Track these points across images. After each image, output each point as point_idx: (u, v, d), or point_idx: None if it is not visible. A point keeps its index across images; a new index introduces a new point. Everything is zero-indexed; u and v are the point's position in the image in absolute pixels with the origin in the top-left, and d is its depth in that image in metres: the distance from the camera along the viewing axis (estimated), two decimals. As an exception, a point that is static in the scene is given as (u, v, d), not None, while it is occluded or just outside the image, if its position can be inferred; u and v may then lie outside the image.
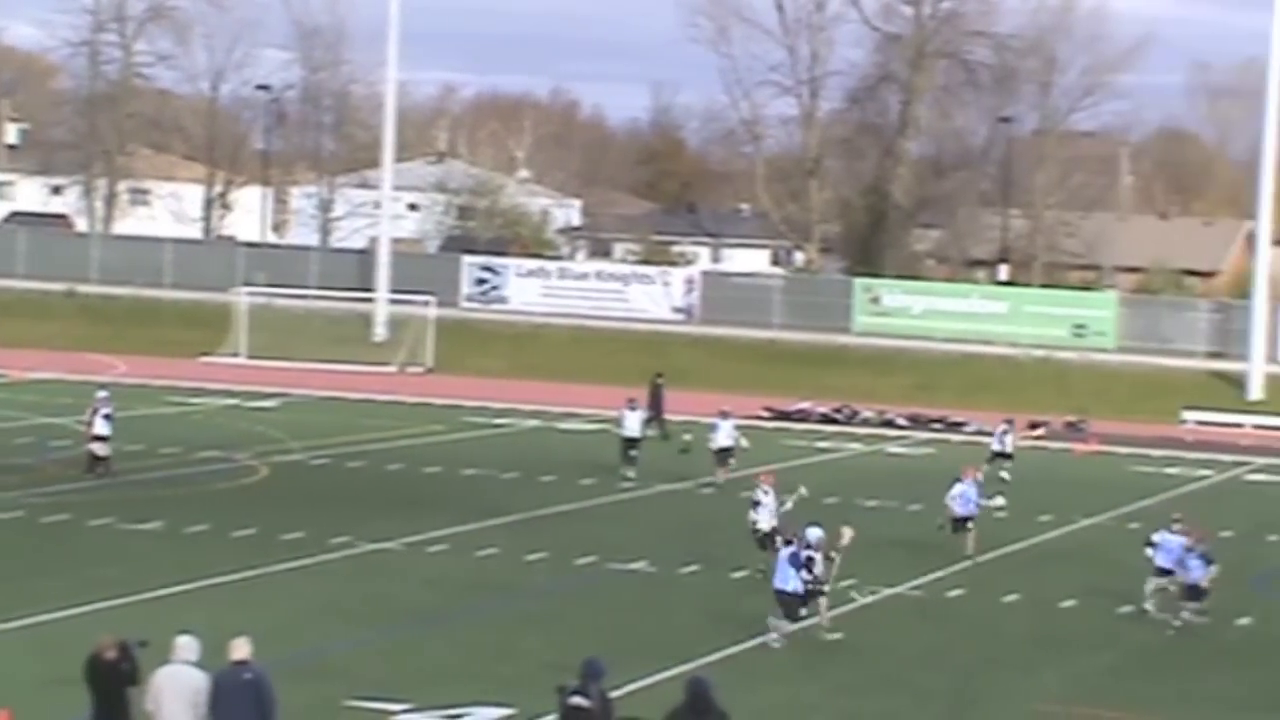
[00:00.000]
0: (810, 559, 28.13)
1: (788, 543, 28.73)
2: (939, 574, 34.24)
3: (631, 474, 45.15)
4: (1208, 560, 29.21)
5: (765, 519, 33.17)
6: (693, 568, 34.15)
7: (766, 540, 32.68)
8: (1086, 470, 52.97)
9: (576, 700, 18.23)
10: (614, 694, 18.91)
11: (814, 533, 28.62)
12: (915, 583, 33.38)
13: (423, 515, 38.36)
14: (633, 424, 46.22)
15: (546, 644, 27.24)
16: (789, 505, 33.29)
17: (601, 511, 41.13)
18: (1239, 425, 62.48)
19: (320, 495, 41.37)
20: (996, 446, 48.66)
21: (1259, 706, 25.83)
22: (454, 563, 34.06)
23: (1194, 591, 29.59)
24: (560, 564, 34.23)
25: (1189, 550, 29.92)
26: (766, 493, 33.61)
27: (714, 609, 30.78)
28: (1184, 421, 62.61)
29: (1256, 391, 68.30)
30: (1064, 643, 29.18)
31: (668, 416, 54.69)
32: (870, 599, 31.82)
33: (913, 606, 31.80)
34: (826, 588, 28.44)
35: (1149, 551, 30.66)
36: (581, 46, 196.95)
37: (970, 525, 35.71)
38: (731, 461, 44.78)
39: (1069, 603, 31.86)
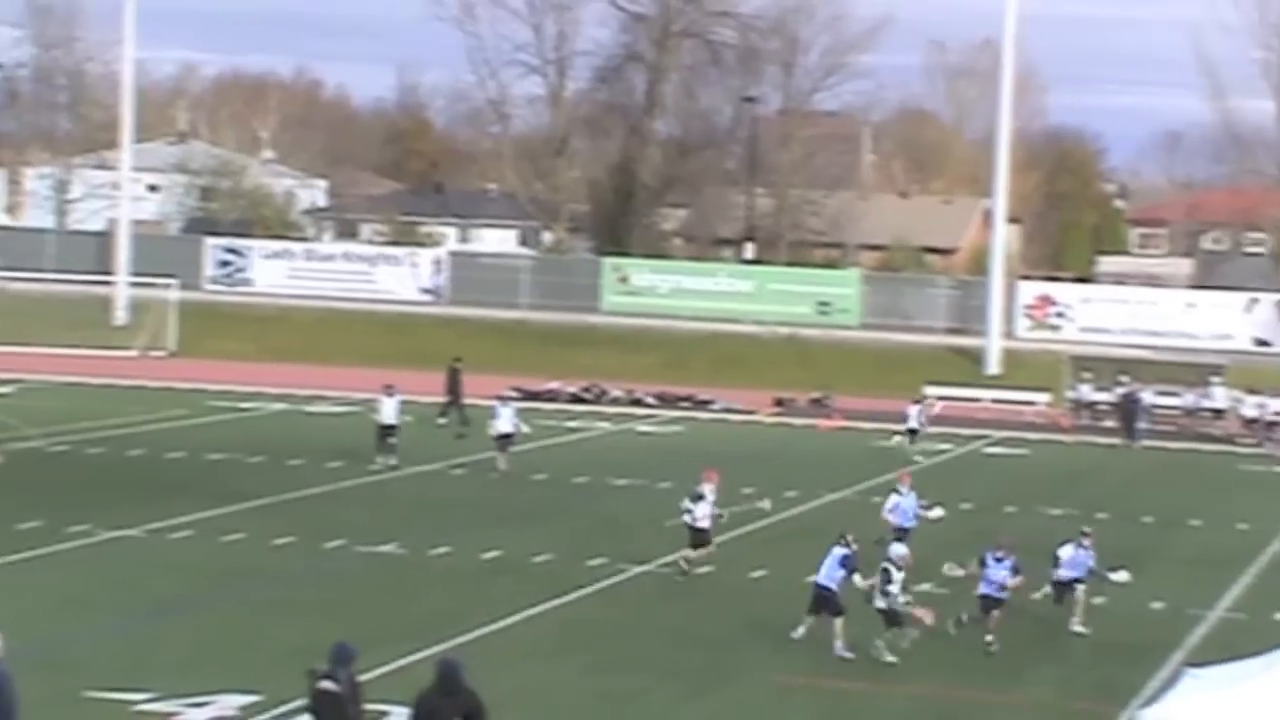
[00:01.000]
0: (888, 575, 26.86)
1: (838, 542, 27.67)
2: (690, 551, 34.44)
3: (393, 461, 44.08)
4: (1015, 570, 28.85)
5: (704, 515, 32.21)
6: (442, 549, 34.01)
7: (699, 536, 32.19)
8: (831, 445, 53.74)
9: (325, 685, 18.05)
10: (364, 677, 18.73)
11: (899, 550, 27.45)
12: (665, 560, 33.57)
13: (166, 501, 37.70)
14: (389, 411, 44.97)
15: (295, 629, 26.93)
16: (719, 512, 32.61)
17: (350, 494, 40.77)
18: (978, 400, 63.82)
19: (58, 483, 40.45)
20: (913, 425, 50.95)
21: (999, 671, 26.36)
22: (199, 549, 33.52)
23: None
24: (309, 548, 33.87)
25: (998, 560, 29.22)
26: (706, 491, 32.56)
27: (464, 590, 30.69)
28: (925, 397, 63.77)
29: (994, 366, 69.83)
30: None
31: (467, 401, 54.04)
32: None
33: (662, 584, 31.99)
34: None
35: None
36: (325, 25, 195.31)
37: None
38: (511, 448, 43.94)
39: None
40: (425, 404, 54.36)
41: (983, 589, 27.75)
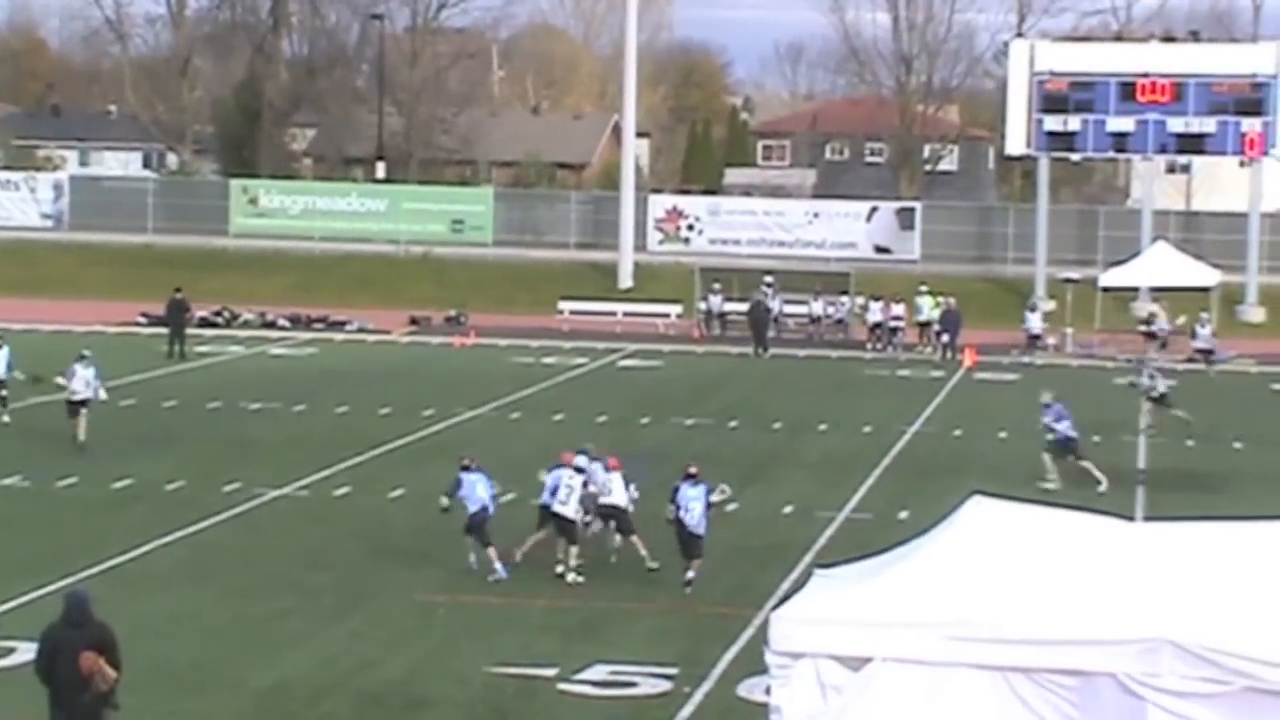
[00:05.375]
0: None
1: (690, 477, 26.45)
2: (325, 473, 34.25)
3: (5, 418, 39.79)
4: (627, 481, 28.73)
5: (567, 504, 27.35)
6: (70, 480, 33.18)
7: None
8: (467, 363, 53.81)
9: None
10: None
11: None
12: (302, 483, 33.29)
13: None
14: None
15: (-85, 568, 26.05)
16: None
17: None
18: (611, 313, 64.50)
19: None
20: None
21: (634, 581, 26.75)
22: None
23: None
24: None
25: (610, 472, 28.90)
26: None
27: (95, 521, 30.02)
28: (560, 312, 64.28)
29: (626, 280, 70.62)
30: (450, 535, 29.57)
31: (190, 332, 52.82)
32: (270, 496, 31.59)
33: (299, 507, 31.73)
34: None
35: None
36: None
37: None
38: (84, 411, 36.78)
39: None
40: (43, 333, 52.91)
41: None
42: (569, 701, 21.16)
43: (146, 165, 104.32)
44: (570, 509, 27.09)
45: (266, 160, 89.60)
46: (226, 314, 61.79)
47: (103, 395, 37.69)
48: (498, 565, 26.72)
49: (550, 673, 21.98)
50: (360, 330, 60.89)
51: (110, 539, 28.40)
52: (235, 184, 79.81)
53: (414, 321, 62.60)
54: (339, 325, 61.42)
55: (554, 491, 27.20)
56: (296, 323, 61.52)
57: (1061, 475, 34.35)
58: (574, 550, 27.02)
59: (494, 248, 75.40)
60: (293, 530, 29.84)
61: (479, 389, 46.73)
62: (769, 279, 61.32)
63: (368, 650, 22.99)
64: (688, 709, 20.91)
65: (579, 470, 27.54)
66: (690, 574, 26.43)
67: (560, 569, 26.85)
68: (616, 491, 27.57)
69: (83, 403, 36.64)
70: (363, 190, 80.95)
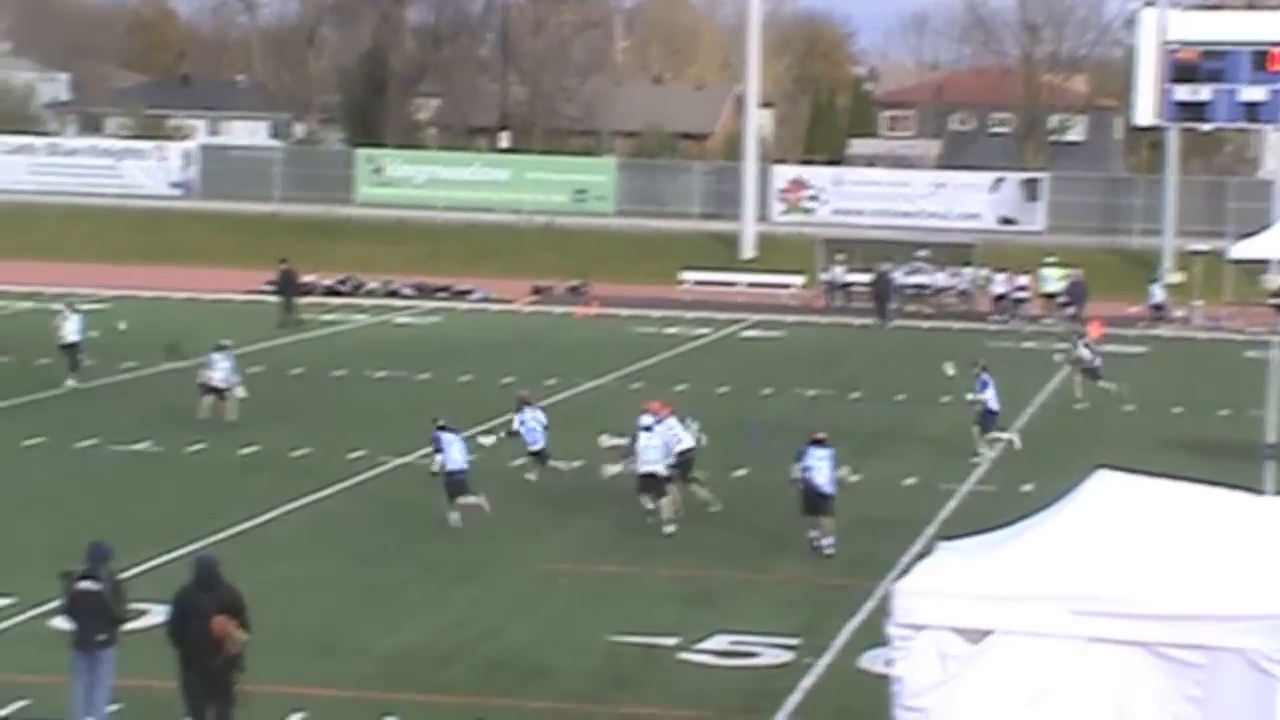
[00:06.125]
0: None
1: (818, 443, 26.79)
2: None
3: (72, 382, 39.91)
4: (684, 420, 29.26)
5: (653, 461, 28.13)
6: (198, 446, 33.59)
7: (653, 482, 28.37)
8: (589, 333, 53.94)
9: (85, 585, 17.82)
10: (120, 577, 18.50)
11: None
12: (425, 452, 33.46)
13: (-90, 405, 36.78)
14: (71, 329, 40.67)
15: (49, 530, 26.48)
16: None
17: (102, 393, 40.04)
18: (733, 284, 64.42)
19: None
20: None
21: (755, 551, 26.82)
22: (-55, 452, 32.77)
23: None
24: (60, 448, 33.24)
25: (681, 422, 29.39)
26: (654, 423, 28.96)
27: (222, 487, 30.39)
28: (681, 282, 64.27)
29: (748, 250, 70.48)
30: (570, 504, 29.73)
31: (298, 300, 53.30)
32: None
33: (422, 475, 31.91)
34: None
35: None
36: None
37: None
38: (225, 397, 36.08)
39: (577, 463, 32.35)
40: (173, 300, 53.60)
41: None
42: (690, 671, 21.21)
43: (277, 135, 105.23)
44: (654, 466, 27.70)
45: (391, 130, 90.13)
46: (351, 282, 62.25)
47: (240, 393, 36.21)
48: (455, 515, 27.59)
49: (671, 642, 22.04)
50: (484, 300, 61.19)
51: (237, 505, 28.74)
52: (360, 153, 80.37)
53: (537, 291, 62.82)
54: (463, 294, 61.74)
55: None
56: (421, 292, 61.90)
57: (1181, 447, 34.02)
58: (665, 502, 27.63)
59: (616, 218, 75.48)
60: (416, 498, 30.04)
61: (601, 359, 46.83)
62: (923, 253, 61.15)
63: (490, 618, 23.15)
64: (809, 680, 20.90)
65: (647, 429, 28.28)
66: (823, 539, 26.56)
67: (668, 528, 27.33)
68: (685, 438, 28.61)
69: (221, 390, 35.99)
70: (486, 160, 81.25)
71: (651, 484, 27.93)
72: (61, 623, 18.25)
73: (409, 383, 42.54)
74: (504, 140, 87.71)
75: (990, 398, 34.83)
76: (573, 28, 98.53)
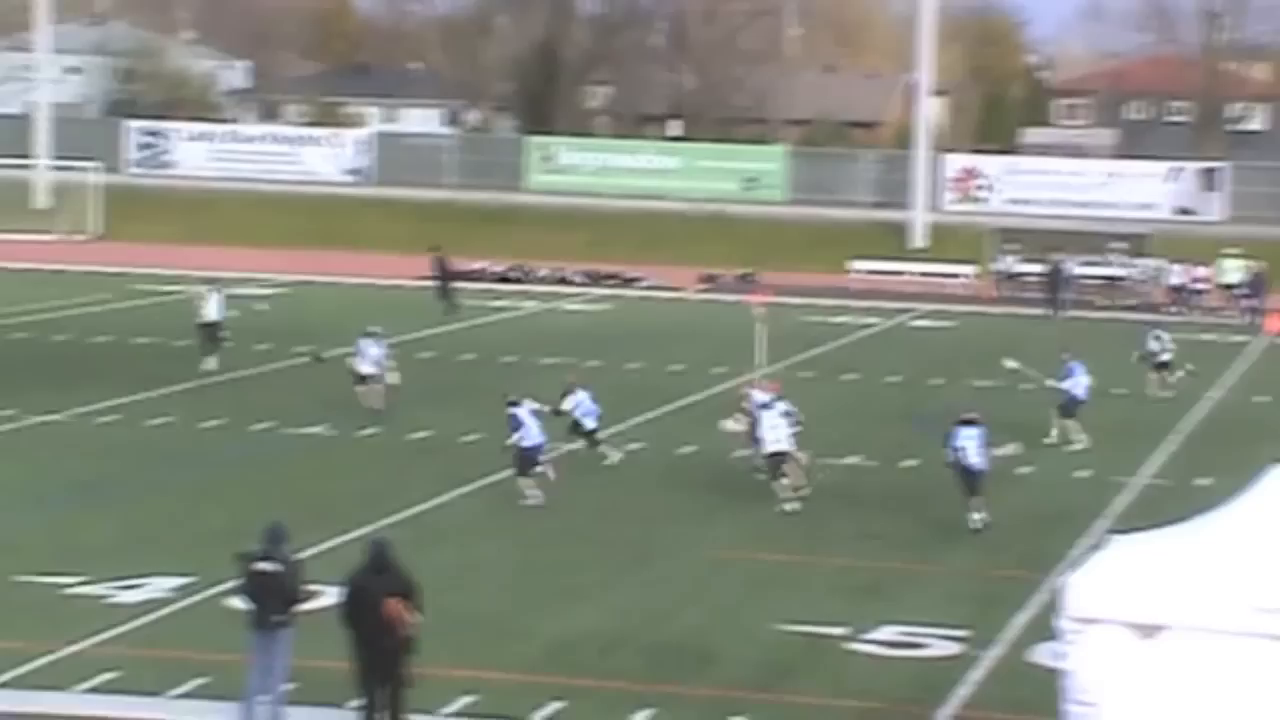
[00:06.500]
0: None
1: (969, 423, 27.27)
2: (618, 428, 34.56)
3: (212, 365, 40.11)
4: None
5: (782, 439, 28.33)
6: (371, 430, 34.01)
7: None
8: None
9: (263, 566, 18.08)
10: (298, 557, 18.78)
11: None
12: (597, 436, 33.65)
13: (92, 386, 37.54)
14: (212, 308, 41.32)
15: (226, 511, 26.95)
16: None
17: (278, 377, 40.64)
18: (903, 273, 64.05)
19: (-17, 369, 40.20)
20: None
21: (924, 542, 26.70)
22: (126, 433, 33.44)
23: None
24: (237, 430, 33.82)
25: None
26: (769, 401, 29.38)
27: (394, 471, 30.74)
28: (849, 271, 64.01)
29: (919, 239, 70.08)
30: (740, 491, 29.75)
31: (456, 285, 53.73)
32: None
33: (592, 461, 32.10)
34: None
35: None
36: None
37: None
38: (377, 386, 35.54)
39: (744, 452, 32.37)
40: (347, 285, 54.24)
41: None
42: (857, 661, 21.16)
43: (453, 122, 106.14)
44: (783, 444, 28.09)
45: (563, 118, 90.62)
46: (522, 269, 62.66)
47: (391, 379, 35.71)
48: (536, 493, 28.04)
49: (839, 632, 21.99)
50: (653, 287, 61.33)
51: (409, 488, 29.06)
52: (532, 141, 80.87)
53: (706, 279, 62.86)
54: (632, 282, 61.92)
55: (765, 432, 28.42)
56: (590, 279, 62.17)
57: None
58: (785, 481, 28.02)
59: (786, 206, 75.34)
60: (585, 484, 30.21)
61: (770, 348, 46.70)
62: (1120, 245, 60.49)
63: (659, 604, 23.24)
64: (977, 672, 20.77)
65: (766, 407, 28.74)
66: (976, 516, 26.71)
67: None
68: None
69: (368, 376, 35.51)
70: (657, 148, 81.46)
71: (778, 462, 28.27)
72: (239, 602, 18.57)
73: (578, 370, 42.68)
74: (675, 129, 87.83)
75: (1075, 385, 34.36)
76: (744, 16, 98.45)
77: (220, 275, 55.48)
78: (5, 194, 73.35)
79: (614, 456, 31.36)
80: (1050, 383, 34.86)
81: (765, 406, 28.87)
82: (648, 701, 19.38)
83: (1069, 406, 34.38)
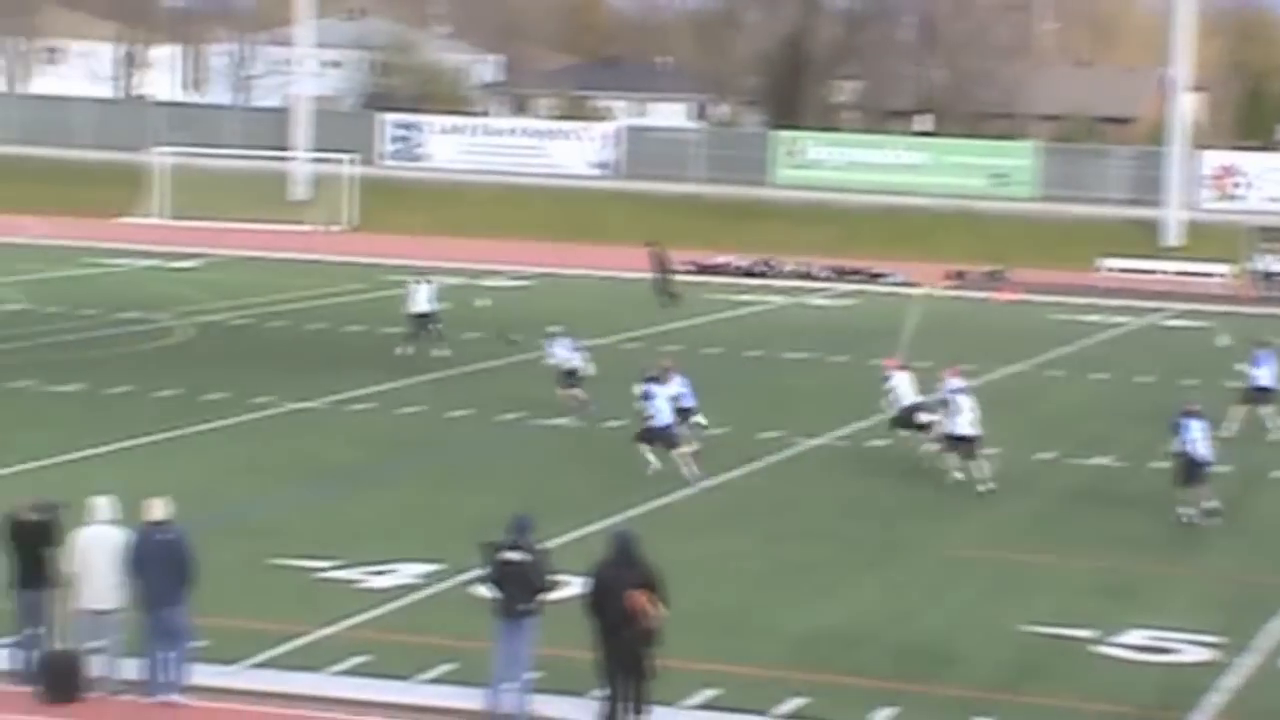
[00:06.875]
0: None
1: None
2: (861, 424, 34.46)
3: (445, 351, 41.11)
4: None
5: (970, 424, 29.31)
6: (617, 423, 34.21)
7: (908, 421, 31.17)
8: (1006, 319, 53.31)
9: (510, 555, 18.27)
10: (543, 547, 18.97)
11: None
12: (840, 433, 33.59)
13: (345, 374, 38.30)
14: (422, 299, 41.98)
15: (473, 500, 27.33)
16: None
17: (526, 368, 41.05)
18: (1155, 271, 62.92)
19: (242, 355, 41.24)
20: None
21: (1177, 545, 26.23)
22: (377, 420, 34.05)
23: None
24: (485, 420, 34.26)
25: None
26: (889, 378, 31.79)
27: (639, 463, 30.88)
28: (1098, 268, 63.04)
29: (1173, 237, 68.77)
30: (997, 490, 29.45)
31: (674, 275, 53.99)
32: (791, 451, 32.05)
33: (836, 456, 32.03)
34: None
35: None
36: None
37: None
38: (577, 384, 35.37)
39: (990, 450, 32.07)
40: (592, 279, 54.71)
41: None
42: (1105, 664, 20.84)
43: (700, 116, 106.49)
44: (973, 429, 28.88)
45: (810, 112, 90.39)
46: (767, 264, 62.66)
47: (588, 369, 35.39)
48: (693, 469, 28.93)
49: (1086, 634, 21.68)
50: (899, 283, 60.95)
51: (654, 481, 29.20)
52: (777, 135, 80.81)
53: (953, 275, 62.31)
54: (878, 278, 61.60)
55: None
56: (836, 274, 61.96)
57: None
58: (973, 465, 28.65)
59: (1035, 203, 74.40)
60: (830, 479, 30.16)
61: (1017, 345, 46.27)
62: None
63: (902, 602, 23.11)
64: (1231, 679, 20.34)
65: (961, 391, 29.69)
66: (1205, 504, 27.02)
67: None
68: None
69: (572, 372, 35.21)
70: (904, 143, 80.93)
71: (965, 446, 28.94)
72: (485, 591, 18.82)
73: (823, 364, 42.65)
74: (923, 123, 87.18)
75: (1263, 375, 34.03)
76: (996, 10, 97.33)
77: (469, 267, 56.21)
78: (265, 185, 75.14)
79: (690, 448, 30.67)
80: (1238, 366, 35.15)
81: (958, 392, 29.77)
82: (891, 699, 19.28)
83: (1252, 394, 34.52)
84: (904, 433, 31.32)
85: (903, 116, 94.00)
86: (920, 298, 35.36)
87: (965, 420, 29.12)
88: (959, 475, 29.49)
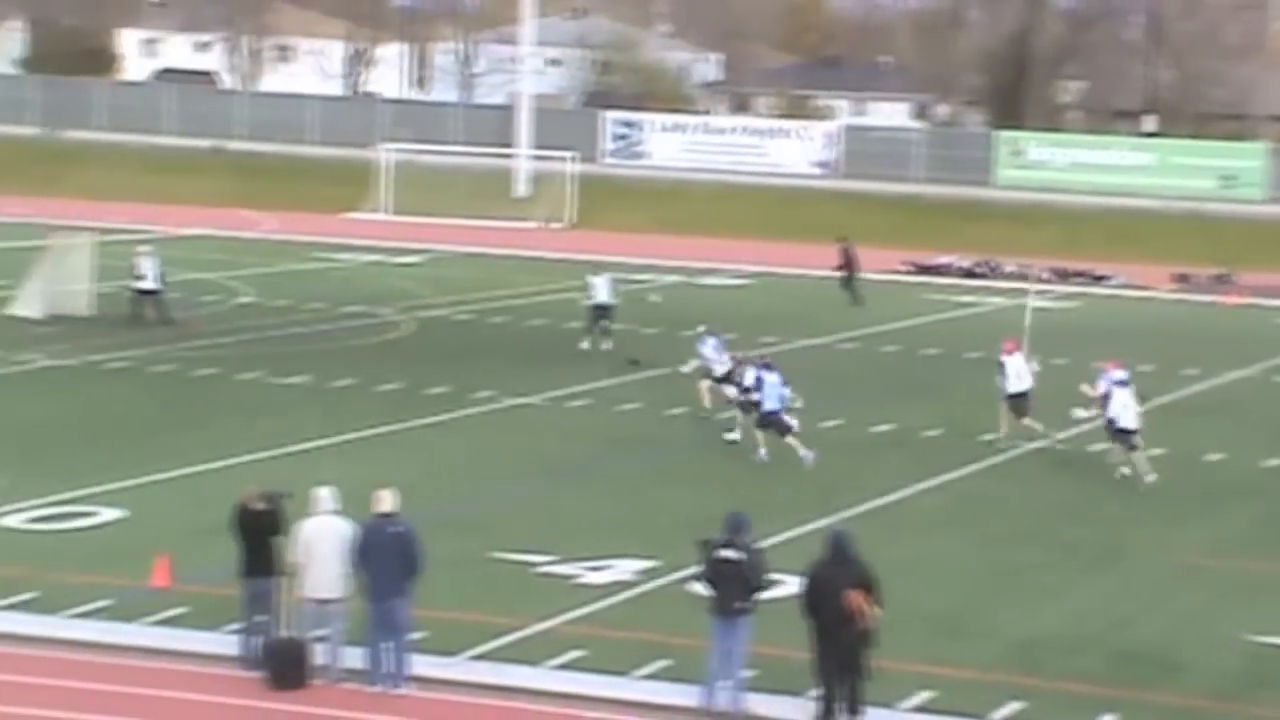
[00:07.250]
0: None
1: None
2: (1084, 427, 34.00)
3: (604, 345, 41.14)
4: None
5: (1131, 417, 29.35)
6: (833, 422, 34.13)
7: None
8: (1233, 323, 52.28)
9: (726, 553, 18.32)
10: (759, 546, 19.00)
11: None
12: (1061, 436, 33.18)
13: (564, 370, 38.60)
14: (602, 291, 42.07)
15: (687, 497, 27.42)
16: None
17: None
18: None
19: (463, 350, 41.71)
20: None
21: None
22: (595, 417, 34.27)
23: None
24: (701, 419, 34.30)
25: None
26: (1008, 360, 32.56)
27: (855, 463, 30.81)
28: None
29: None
30: (1210, 496, 28.98)
31: (862, 276, 53.60)
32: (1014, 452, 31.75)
33: (1057, 458, 31.66)
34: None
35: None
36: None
37: None
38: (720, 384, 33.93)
39: (1215, 456, 31.59)
40: (820, 278, 54.57)
41: None
42: (1333, 678, 20.39)
43: (921, 116, 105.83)
44: (1132, 421, 29.01)
45: (1033, 112, 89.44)
46: (988, 264, 62.02)
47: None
48: (805, 451, 29.66)
49: (1317, 646, 21.25)
50: (1122, 285, 60.00)
51: (871, 481, 29.10)
52: (1001, 135, 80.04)
53: (1179, 278, 61.21)
54: (1100, 280, 60.69)
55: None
56: (1058, 275, 61.14)
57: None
58: (1135, 457, 28.86)
59: (1266, 205, 72.91)
60: (1050, 482, 29.82)
61: (1245, 349, 45.36)
62: None
63: (1124, 608, 22.77)
64: None
65: (1123, 384, 29.82)
66: None
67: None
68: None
69: (726, 377, 33.73)
70: (1130, 144, 79.81)
71: (1125, 439, 28.93)
72: (701, 588, 18.88)
73: (1045, 367, 42.05)
74: (1148, 124, 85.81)
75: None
76: (1227, 9, 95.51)
77: (688, 265, 56.42)
78: (488, 182, 76.00)
79: (804, 454, 30.14)
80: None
81: (1120, 384, 29.80)
82: (1110, 706, 19.03)
83: None
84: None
85: (1127, 117, 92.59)
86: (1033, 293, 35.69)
87: (1128, 414, 29.18)
88: (1125, 470, 29.16)
